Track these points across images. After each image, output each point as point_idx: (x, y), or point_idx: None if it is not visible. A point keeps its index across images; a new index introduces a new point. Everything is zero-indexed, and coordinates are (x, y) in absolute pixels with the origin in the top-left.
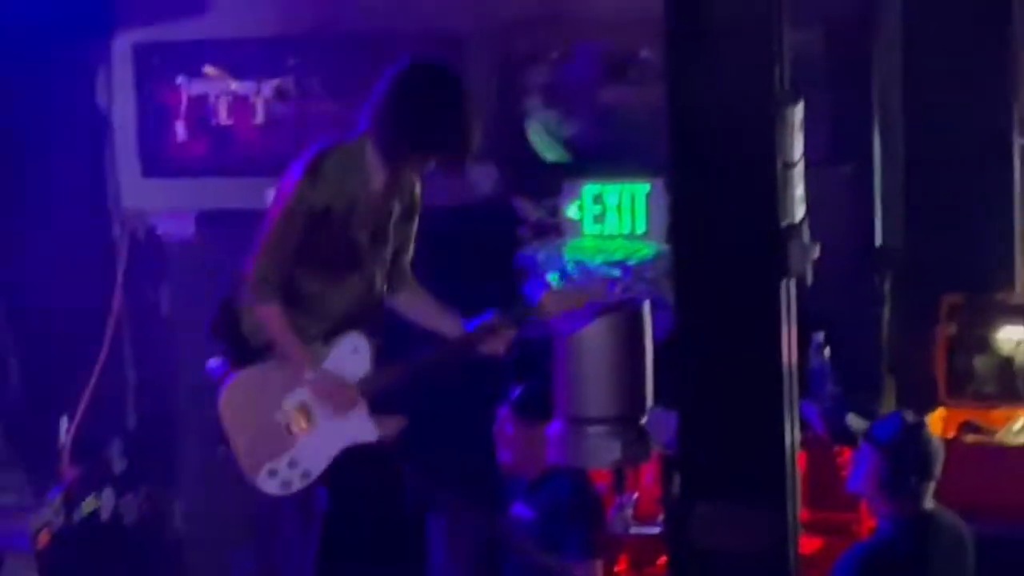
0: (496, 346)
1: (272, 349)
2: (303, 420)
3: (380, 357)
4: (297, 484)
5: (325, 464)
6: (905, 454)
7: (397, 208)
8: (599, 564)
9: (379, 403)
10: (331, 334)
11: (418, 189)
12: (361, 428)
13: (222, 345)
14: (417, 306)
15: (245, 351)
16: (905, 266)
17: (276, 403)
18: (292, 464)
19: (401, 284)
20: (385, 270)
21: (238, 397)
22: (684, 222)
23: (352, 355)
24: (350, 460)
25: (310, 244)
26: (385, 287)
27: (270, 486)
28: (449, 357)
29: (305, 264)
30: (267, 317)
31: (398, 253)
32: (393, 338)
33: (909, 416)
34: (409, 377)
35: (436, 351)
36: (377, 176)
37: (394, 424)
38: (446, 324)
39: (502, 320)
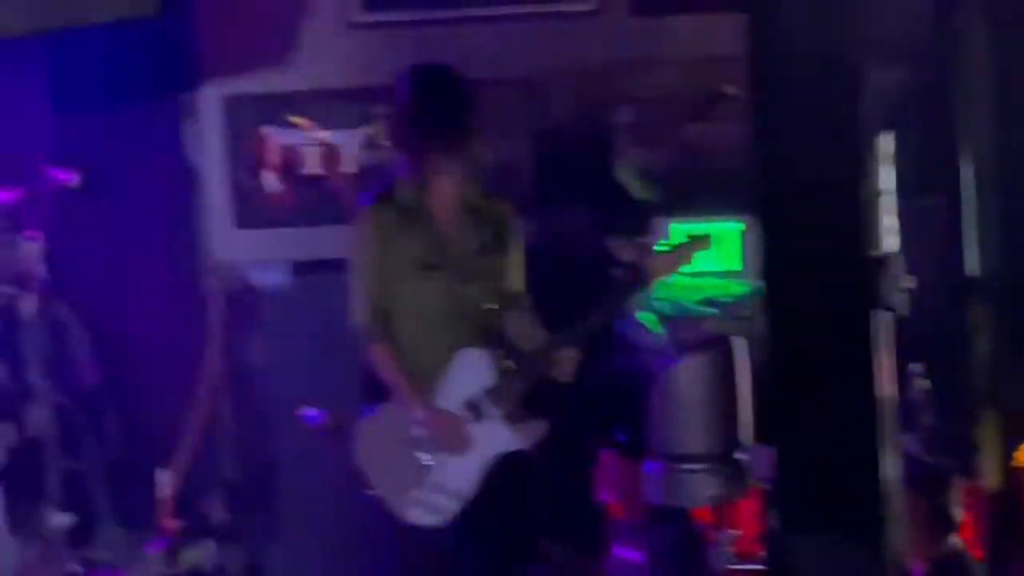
0: (566, 366)
1: None
2: (451, 439)
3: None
4: (450, 507)
5: (473, 480)
6: None
7: (472, 222)
8: None
9: (516, 410)
10: (437, 358)
11: (503, 212)
12: (500, 439)
13: (372, 400)
14: (518, 328)
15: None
16: (1001, 296)
17: (406, 434)
18: (438, 488)
19: (508, 305)
20: (490, 285)
21: (370, 439)
22: (773, 257)
23: (466, 367)
24: (499, 471)
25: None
26: (493, 303)
27: (422, 517)
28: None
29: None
30: (374, 356)
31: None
32: None
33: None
34: (534, 379)
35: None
36: (426, 199)
37: (535, 429)
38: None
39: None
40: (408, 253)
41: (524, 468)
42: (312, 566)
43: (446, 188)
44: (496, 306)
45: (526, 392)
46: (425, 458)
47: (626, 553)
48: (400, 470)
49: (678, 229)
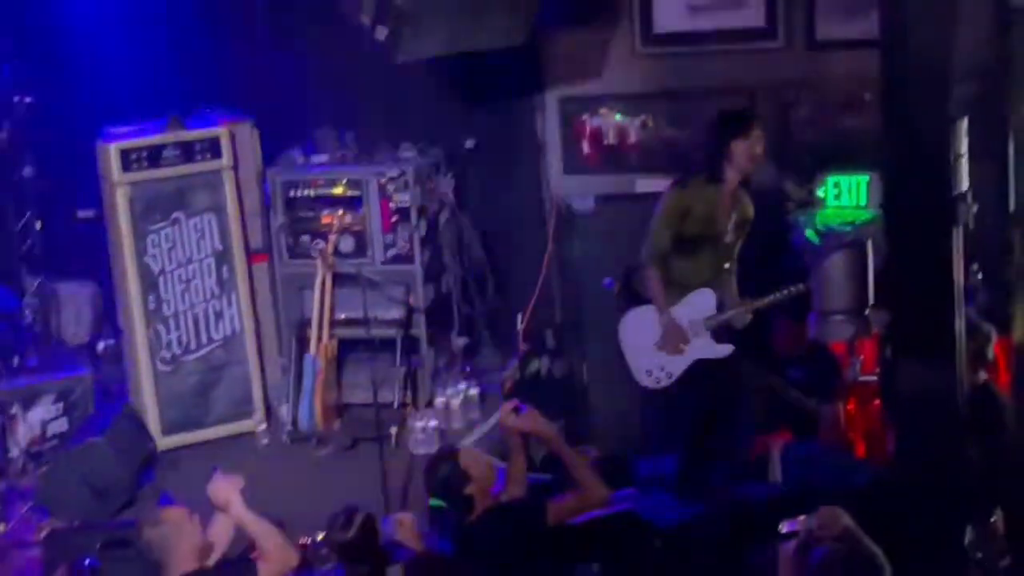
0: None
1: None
2: (674, 337)
3: (720, 306)
4: (664, 381)
5: (682, 370)
6: None
7: (734, 217)
8: (839, 405)
9: (719, 334)
10: (688, 289)
11: (749, 209)
12: (706, 349)
13: (624, 294)
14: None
15: (634, 297)
16: None
17: (652, 330)
18: (661, 368)
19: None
20: (730, 256)
21: (628, 327)
22: (890, 195)
23: (699, 300)
24: (698, 367)
25: (678, 233)
26: (728, 267)
27: (647, 381)
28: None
29: (675, 244)
30: (648, 276)
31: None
32: None
33: None
34: (730, 318)
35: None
36: (714, 194)
37: (725, 348)
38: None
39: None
40: (690, 227)
41: (717, 368)
42: (604, 375)
43: (730, 185)
44: (729, 266)
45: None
46: (655, 346)
47: (795, 374)
48: (640, 348)
49: (832, 179)
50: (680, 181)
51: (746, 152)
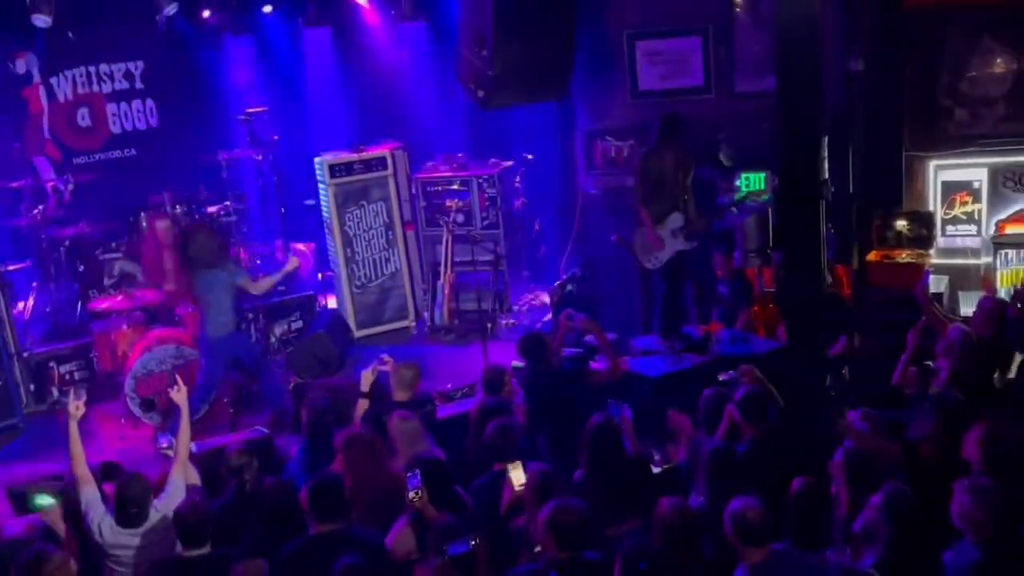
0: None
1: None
2: (658, 244)
3: (688, 223)
4: (656, 265)
5: (667, 259)
6: None
7: (680, 166)
8: (752, 308)
9: (685, 235)
10: (668, 213)
11: (691, 160)
12: (681, 244)
13: (621, 239)
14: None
15: (626, 242)
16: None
17: (647, 238)
18: (655, 259)
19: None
20: (684, 191)
21: (637, 239)
22: (785, 184)
23: (675, 219)
24: (674, 257)
25: (648, 180)
26: (686, 198)
27: (647, 264)
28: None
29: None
30: (641, 212)
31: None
32: None
33: None
34: (694, 225)
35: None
36: (663, 157)
37: (693, 243)
38: None
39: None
40: (653, 176)
41: (686, 256)
42: (612, 291)
43: (670, 150)
44: (687, 198)
45: (690, 232)
46: (654, 246)
47: (723, 289)
48: (643, 247)
49: (744, 175)
50: (644, 153)
51: (675, 138)
